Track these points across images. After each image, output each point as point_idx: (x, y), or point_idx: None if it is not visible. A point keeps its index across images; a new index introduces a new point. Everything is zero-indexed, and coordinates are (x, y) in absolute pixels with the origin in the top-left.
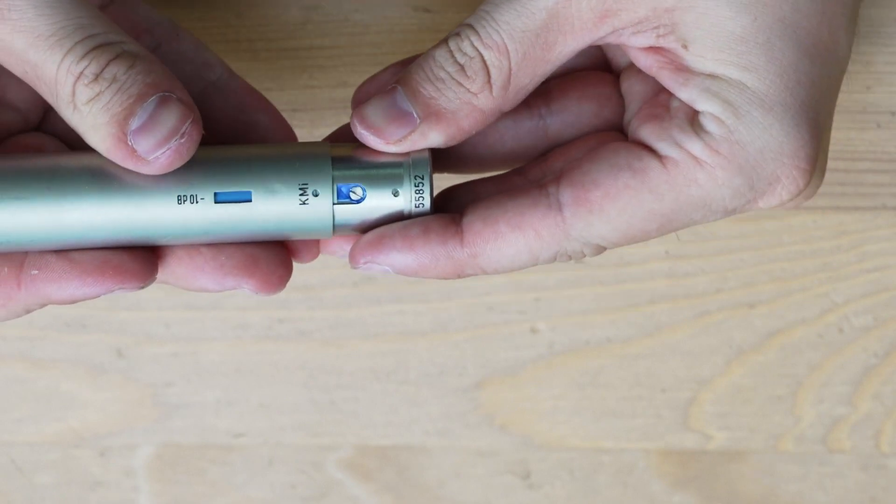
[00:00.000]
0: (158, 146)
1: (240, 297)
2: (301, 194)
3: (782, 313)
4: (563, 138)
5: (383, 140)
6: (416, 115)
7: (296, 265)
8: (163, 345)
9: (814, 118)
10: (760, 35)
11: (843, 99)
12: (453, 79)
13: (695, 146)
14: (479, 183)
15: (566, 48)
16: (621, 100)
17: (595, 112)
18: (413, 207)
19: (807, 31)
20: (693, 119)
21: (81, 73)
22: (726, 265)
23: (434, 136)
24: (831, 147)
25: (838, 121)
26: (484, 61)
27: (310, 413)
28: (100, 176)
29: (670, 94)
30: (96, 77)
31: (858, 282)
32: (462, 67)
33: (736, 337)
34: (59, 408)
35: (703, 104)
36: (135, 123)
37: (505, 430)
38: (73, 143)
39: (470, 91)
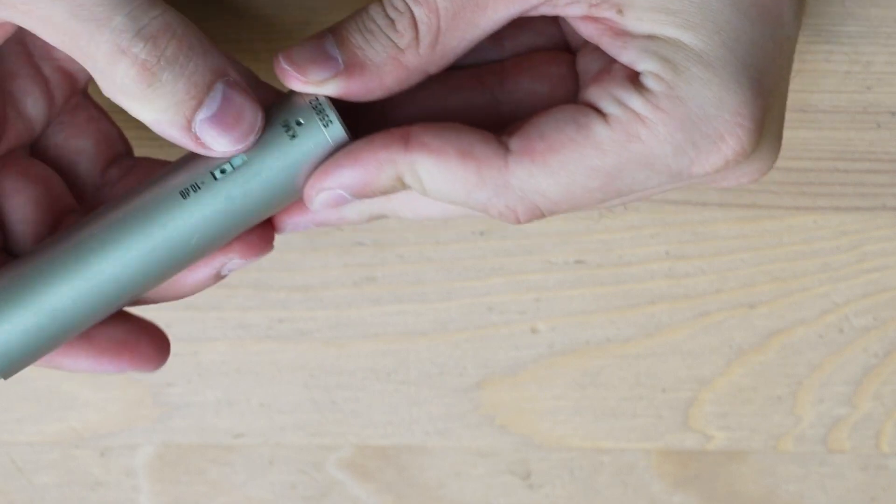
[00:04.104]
0: (234, 143)
1: (240, 297)
2: (287, 131)
3: (782, 313)
4: (515, 117)
5: (302, 78)
6: (340, 62)
7: (296, 266)
8: None
9: (756, 78)
10: None
11: (843, 99)
12: (383, 32)
13: (636, 103)
14: None
15: (497, 14)
16: (576, 80)
17: (548, 93)
18: (323, 126)
19: None
20: (634, 79)
21: (129, 50)
22: (726, 265)
23: (354, 86)
24: (831, 147)
25: (838, 121)
26: (413, 17)
27: (310, 413)
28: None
29: (614, 61)
30: (150, 61)
31: (858, 282)
32: (392, 22)
33: (736, 337)
34: (59, 408)
35: (642, 64)
36: (202, 114)
37: (505, 430)
38: (64, 165)
39: (397, 46)
